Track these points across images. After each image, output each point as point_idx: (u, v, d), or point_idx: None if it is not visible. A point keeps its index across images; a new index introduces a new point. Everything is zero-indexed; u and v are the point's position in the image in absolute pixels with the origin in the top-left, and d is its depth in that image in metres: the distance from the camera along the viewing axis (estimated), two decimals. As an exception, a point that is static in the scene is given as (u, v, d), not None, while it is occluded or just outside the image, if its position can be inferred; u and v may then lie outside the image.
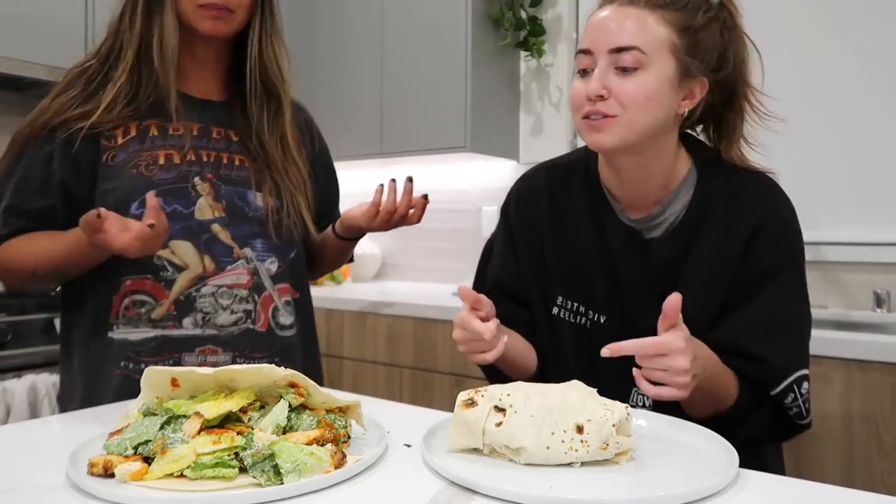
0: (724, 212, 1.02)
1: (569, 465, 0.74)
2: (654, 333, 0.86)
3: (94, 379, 1.12)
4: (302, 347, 1.26)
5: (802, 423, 1.01)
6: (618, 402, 0.78)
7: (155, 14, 1.14)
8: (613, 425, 0.74)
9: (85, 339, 1.14)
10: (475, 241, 2.93)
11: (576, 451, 0.73)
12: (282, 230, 1.21)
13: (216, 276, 1.14)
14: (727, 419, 0.97)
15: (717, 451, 0.78)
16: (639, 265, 1.05)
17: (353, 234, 1.30)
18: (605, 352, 0.85)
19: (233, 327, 1.15)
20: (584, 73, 0.99)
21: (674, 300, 0.85)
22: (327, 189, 1.40)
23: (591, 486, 0.69)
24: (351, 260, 1.49)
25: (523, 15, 2.63)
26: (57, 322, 1.90)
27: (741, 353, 0.98)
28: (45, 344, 1.85)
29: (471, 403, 0.78)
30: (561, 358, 1.12)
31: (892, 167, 2.05)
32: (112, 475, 0.69)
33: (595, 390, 0.82)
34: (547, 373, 1.15)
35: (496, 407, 0.77)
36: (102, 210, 0.95)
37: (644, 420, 0.89)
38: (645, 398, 1.04)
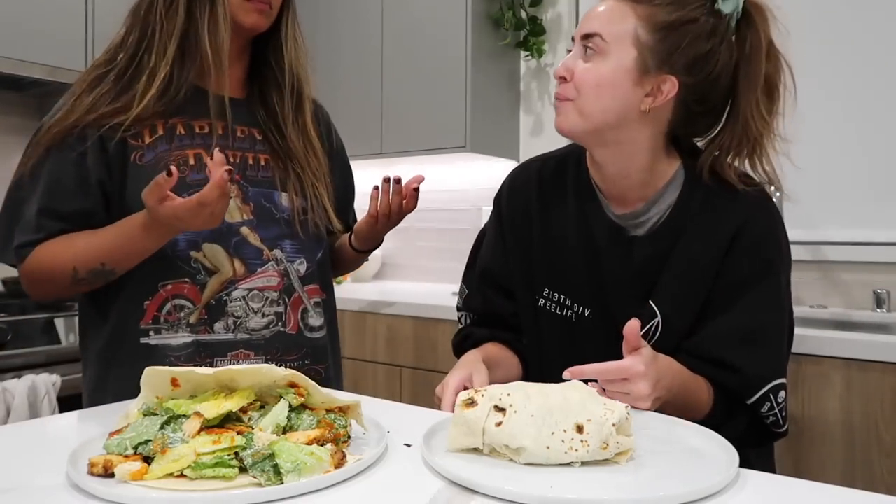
0: (706, 217, 1.02)
1: (569, 464, 0.74)
2: None
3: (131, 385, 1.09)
4: (331, 348, 1.26)
5: (779, 430, 1.01)
6: (618, 402, 0.78)
7: (197, 7, 1.10)
8: (613, 425, 0.74)
9: (113, 348, 1.11)
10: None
11: (576, 450, 0.73)
12: (308, 228, 1.20)
13: (247, 280, 1.13)
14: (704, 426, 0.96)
15: (716, 450, 0.78)
16: (621, 261, 1.06)
17: (369, 245, 1.34)
18: (567, 375, 0.87)
19: (264, 331, 1.13)
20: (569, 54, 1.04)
21: (633, 325, 0.87)
22: (344, 187, 1.42)
23: (591, 486, 0.69)
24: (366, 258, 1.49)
25: (523, 15, 2.63)
26: (57, 322, 1.90)
27: (716, 361, 0.98)
28: (45, 344, 1.86)
29: (471, 403, 0.78)
30: (546, 349, 1.13)
31: (892, 167, 2.05)
32: (112, 475, 0.68)
33: (595, 390, 0.82)
34: (531, 363, 1.15)
35: (496, 407, 0.77)
36: (173, 167, 0.93)
37: (643, 419, 0.89)
38: None
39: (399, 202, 1.21)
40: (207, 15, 1.09)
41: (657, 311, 1.02)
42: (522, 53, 2.74)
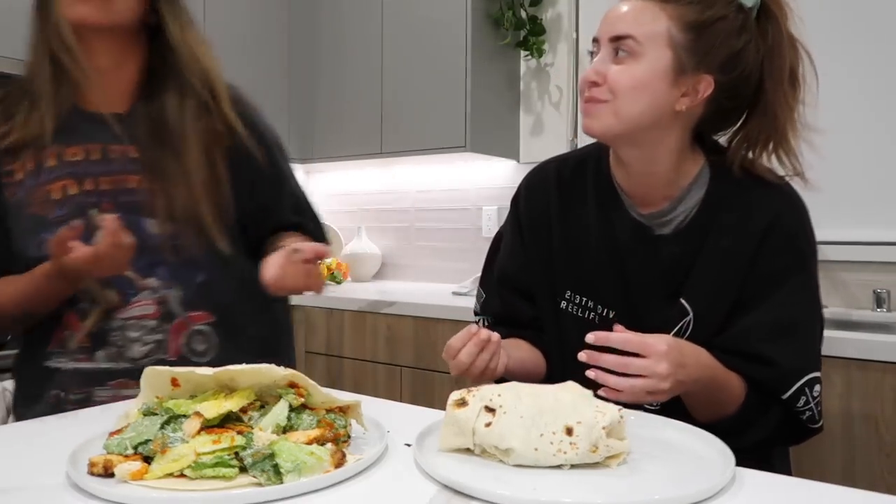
0: (735, 213, 1.01)
1: (559, 467, 0.73)
2: (660, 331, 0.86)
3: (32, 402, 1.12)
4: None
5: (815, 426, 0.99)
6: (611, 405, 0.77)
7: (37, 11, 1.06)
8: (604, 428, 0.73)
9: (26, 366, 1.15)
10: (475, 240, 2.93)
11: (564, 453, 0.72)
12: (182, 254, 1.12)
13: (123, 310, 1.10)
14: (733, 423, 0.95)
15: (712, 452, 0.78)
16: (647, 261, 1.04)
17: None
18: (590, 337, 0.86)
19: (145, 359, 1.10)
20: (592, 58, 1.02)
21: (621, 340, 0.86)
22: (268, 192, 1.23)
23: (576, 489, 0.68)
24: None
25: (523, 14, 2.63)
26: (57, 322, 1.90)
27: (749, 355, 0.96)
28: (46, 344, 1.85)
29: (462, 403, 0.78)
30: (567, 352, 1.10)
31: (892, 167, 2.05)
32: (112, 475, 0.68)
33: (590, 392, 0.81)
34: (554, 366, 1.14)
35: (487, 407, 0.77)
36: (76, 222, 0.93)
37: (638, 421, 0.89)
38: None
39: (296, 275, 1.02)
40: (41, 18, 1.05)
41: (689, 309, 1.01)
42: (522, 53, 2.74)
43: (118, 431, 0.75)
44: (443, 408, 0.82)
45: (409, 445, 0.81)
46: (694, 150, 1.06)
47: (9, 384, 1.71)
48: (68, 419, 0.97)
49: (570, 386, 0.82)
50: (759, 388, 0.97)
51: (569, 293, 1.11)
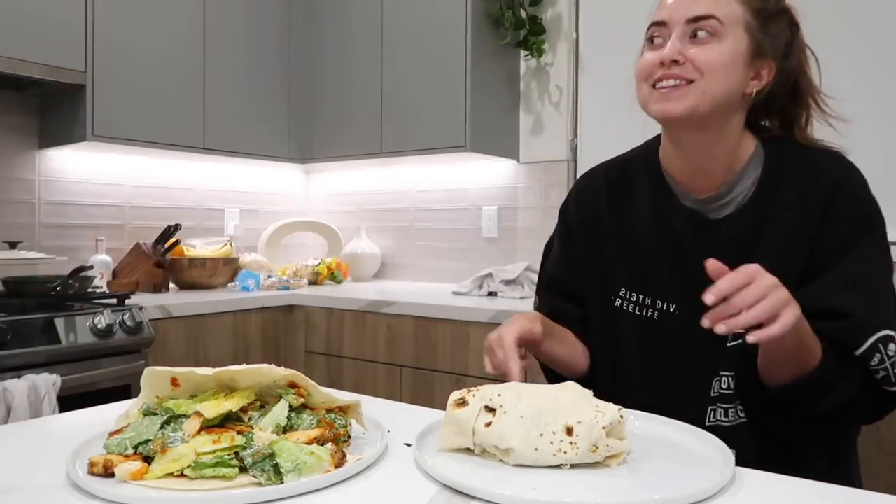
0: (795, 186, 1.01)
1: (558, 467, 0.73)
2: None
3: None
4: None
5: (892, 388, 0.94)
6: (610, 405, 0.77)
7: None
8: (603, 428, 0.73)
9: None
10: (475, 240, 2.93)
11: (564, 453, 0.72)
12: None
13: None
14: (813, 383, 0.92)
15: (712, 452, 0.78)
16: (706, 247, 0.99)
17: None
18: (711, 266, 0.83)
19: None
20: (653, 43, 1.01)
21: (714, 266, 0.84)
22: None
23: (576, 489, 0.69)
24: None
25: (523, 14, 2.63)
26: (57, 322, 1.90)
27: (824, 311, 0.93)
28: (45, 344, 1.85)
29: (462, 403, 0.78)
30: (623, 351, 1.11)
31: (892, 166, 2.05)
32: (112, 475, 0.69)
33: (590, 392, 0.81)
34: (603, 367, 1.14)
35: (487, 407, 0.77)
36: None
37: (637, 421, 0.89)
38: (729, 380, 1.01)
39: None
40: None
41: None
42: (522, 53, 2.74)
43: (118, 431, 0.75)
44: (443, 408, 0.82)
45: (409, 445, 0.81)
46: (746, 132, 1.06)
47: (9, 384, 1.71)
48: (68, 419, 0.97)
49: (570, 386, 0.82)
50: (835, 346, 0.93)
51: (623, 291, 1.11)
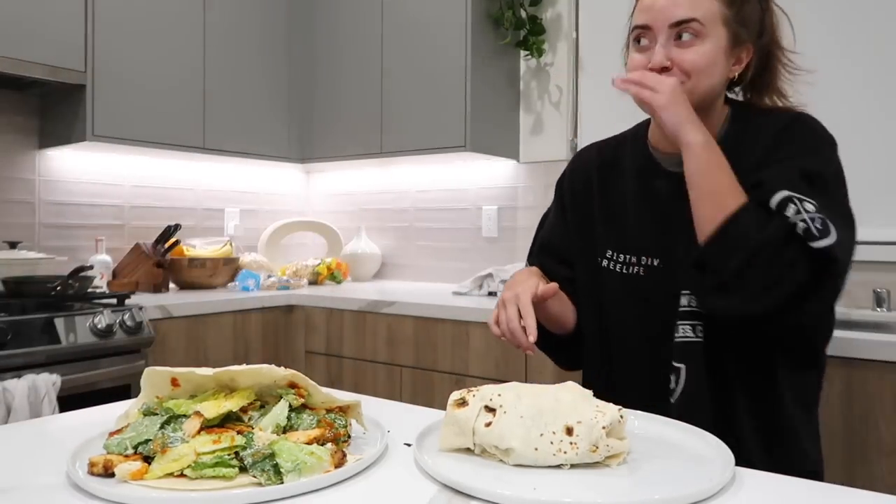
0: (755, 141, 1.08)
1: (558, 467, 0.73)
2: None
3: None
4: None
5: (817, 244, 0.91)
6: (610, 405, 0.77)
7: None
8: (603, 428, 0.73)
9: None
10: (475, 240, 2.93)
11: (564, 453, 0.72)
12: None
13: None
14: (738, 227, 0.96)
15: (712, 452, 0.78)
16: (683, 207, 1.05)
17: None
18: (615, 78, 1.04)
19: None
20: (641, 46, 1.09)
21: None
22: None
23: (576, 489, 0.69)
24: None
25: (523, 14, 2.63)
26: (57, 322, 1.90)
27: (748, 186, 1.00)
28: (45, 344, 1.85)
29: (462, 403, 0.78)
30: (608, 309, 1.19)
31: (891, 166, 2.05)
32: (112, 475, 0.69)
33: (590, 392, 0.81)
34: (585, 318, 1.24)
35: (487, 407, 0.77)
36: None
37: (637, 421, 0.89)
38: (693, 329, 1.06)
39: None
40: None
41: None
42: (522, 53, 2.74)
43: (118, 431, 0.75)
44: (443, 408, 0.82)
45: (408, 445, 0.81)
46: (724, 106, 1.15)
47: (9, 384, 1.71)
48: (68, 419, 0.97)
49: (570, 386, 0.82)
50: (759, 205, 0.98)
51: (610, 252, 1.19)
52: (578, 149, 2.65)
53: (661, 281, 1.12)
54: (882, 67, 2.07)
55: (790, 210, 0.94)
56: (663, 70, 1.05)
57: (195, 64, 2.67)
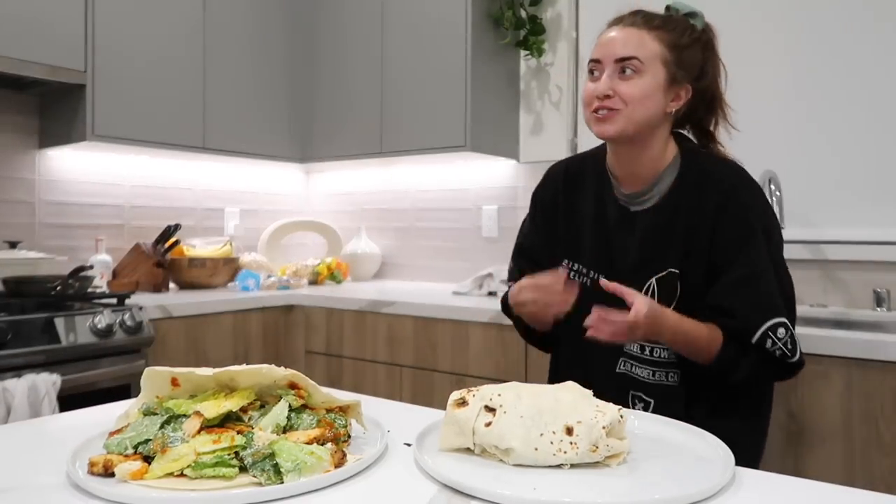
0: (696, 192, 1.25)
1: (559, 466, 0.73)
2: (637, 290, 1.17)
3: None
4: None
5: (792, 361, 1.19)
6: (610, 405, 0.78)
7: None
8: (603, 428, 0.73)
9: None
10: (475, 240, 2.93)
11: (564, 452, 0.72)
12: None
13: None
14: (719, 364, 1.18)
15: (712, 452, 0.78)
16: (626, 235, 1.30)
17: None
18: (603, 283, 1.17)
19: None
20: (593, 76, 1.26)
21: (608, 286, 1.16)
22: None
23: (576, 489, 0.69)
24: None
25: (523, 14, 2.63)
26: (57, 321, 1.90)
27: (719, 309, 1.19)
28: (45, 343, 1.85)
29: (462, 403, 0.78)
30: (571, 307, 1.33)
31: (891, 166, 2.05)
32: (112, 474, 0.69)
33: (590, 392, 0.81)
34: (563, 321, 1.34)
35: (487, 407, 0.77)
36: None
37: (637, 421, 0.89)
38: (667, 375, 1.27)
39: None
40: None
41: (665, 270, 1.25)
42: (522, 53, 2.74)
43: (118, 431, 0.75)
44: (443, 408, 0.82)
45: (408, 445, 0.81)
46: (670, 141, 1.31)
47: (9, 384, 1.71)
48: (68, 419, 0.97)
49: (570, 386, 0.82)
50: (732, 337, 1.18)
51: (566, 261, 1.38)
52: (578, 149, 2.67)
53: (598, 292, 1.23)
54: (882, 68, 2.07)
55: (769, 343, 1.16)
56: (606, 97, 1.22)
57: (195, 64, 2.67)
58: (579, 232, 1.36)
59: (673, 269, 1.24)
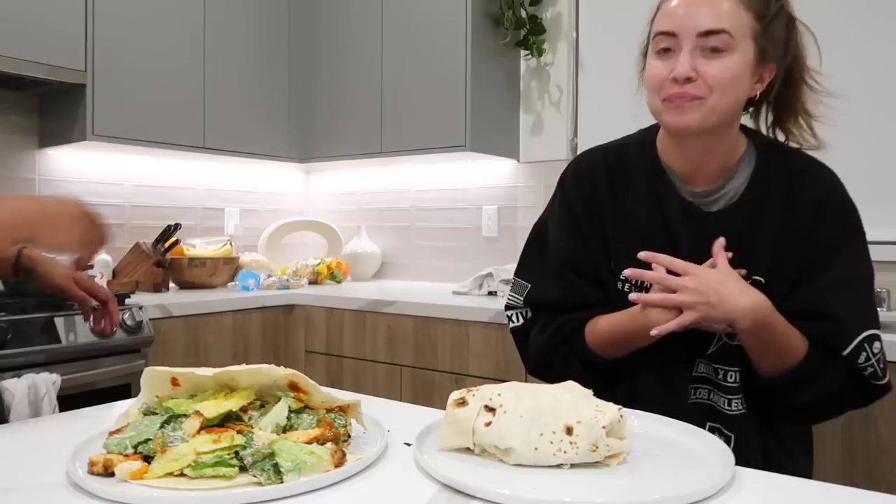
0: (787, 188, 1.06)
1: (558, 466, 0.73)
2: None
3: None
4: None
5: (880, 383, 1.00)
6: (610, 404, 0.77)
7: None
8: (603, 427, 0.73)
9: None
10: (475, 239, 2.93)
11: (564, 452, 0.72)
12: None
13: None
14: (796, 376, 0.99)
15: (712, 452, 0.78)
16: (697, 238, 1.06)
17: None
18: (641, 255, 1.00)
19: None
20: (664, 53, 1.02)
21: (719, 243, 0.99)
22: None
23: (576, 489, 0.68)
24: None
25: (523, 14, 2.63)
26: (57, 321, 1.90)
27: (812, 313, 1.00)
28: (45, 343, 1.85)
29: (462, 403, 0.78)
30: None
31: (891, 166, 2.05)
32: (112, 474, 0.69)
33: (590, 392, 0.81)
34: None
35: (486, 406, 0.77)
36: None
37: (637, 421, 0.89)
38: (735, 374, 1.06)
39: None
40: None
41: (749, 279, 1.03)
42: (522, 52, 2.74)
43: (118, 431, 0.75)
44: (443, 407, 0.82)
45: (408, 445, 0.81)
46: (739, 130, 1.10)
47: (9, 383, 1.71)
48: (68, 419, 0.97)
49: (570, 386, 0.82)
50: (821, 345, 1.00)
51: (622, 275, 1.11)
52: (578, 149, 2.67)
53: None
54: (883, 68, 2.07)
55: (861, 357, 0.98)
56: (686, 81, 0.98)
57: (195, 64, 2.67)
58: (634, 236, 1.11)
59: (758, 278, 1.03)
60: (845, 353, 0.98)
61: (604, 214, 1.15)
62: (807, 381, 0.99)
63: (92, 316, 1.22)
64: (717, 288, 0.95)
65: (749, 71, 1.01)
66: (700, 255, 1.03)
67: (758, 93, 1.05)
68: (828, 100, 1.12)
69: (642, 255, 0.99)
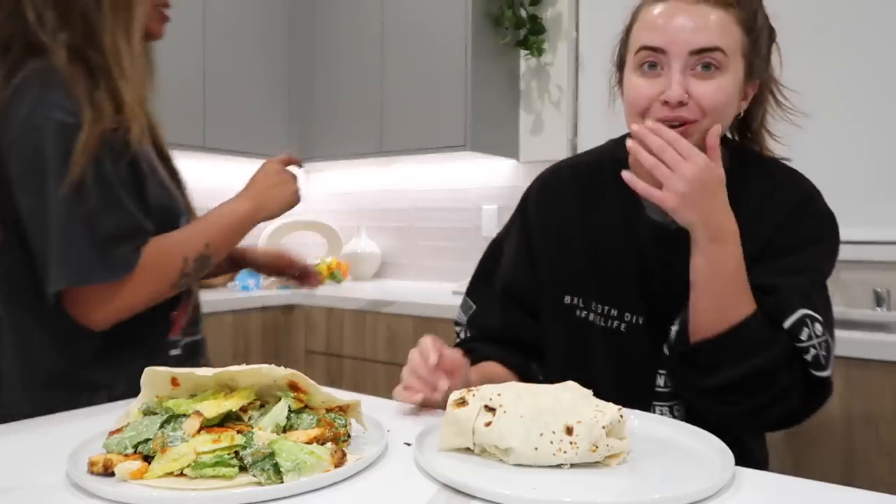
0: (760, 196, 1.00)
1: (558, 466, 0.73)
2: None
3: None
4: (20, 375, 1.08)
5: (823, 374, 0.92)
6: (610, 404, 0.77)
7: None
8: (604, 427, 0.73)
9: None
10: (475, 239, 2.93)
11: (564, 452, 0.72)
12: None
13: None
14: (736, 340, 0.90)
15: (712, 452, 0.78)
16: (668, 258, 1.00)
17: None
18: (649, 123, 0.89)
19: None
20: (649, 70, 0.94)
21: (713, 132, 0.88)
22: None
23: (576, 489, 0.68)
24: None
25: (523, 13, 2.63)
26: (57, 321, 1.90)
27: (759, 287, 0.93)
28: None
29: (462, 403, 0.78)
30: (589, 363, 1.07)
31: (891, 165, 2.05)
32: (112, 474, 0.68)
33: (590, 392, 0.81)
34: (582, 374, 1.02)
35: (486, 406, 0.77)
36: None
37: (637, 421, 0.89)
38: (669, 409, 1.02)
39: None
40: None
41: None
42: (522, 52, 2.74)
43: (118, 430, 0.75)
44: (442, 407, 0.82)
45: (408, 444, 0.81)
46: None
47: (9, 383, 1.71)
48: (68, 418, 0.97)
49: (571, 385, 0.82)
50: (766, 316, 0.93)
51: (593, 303, 1.06)
52: (578, 148, 2.67)
53: (642, 340, 1.02)
54: (884, 67, 2.07)
55: (804, 333, 0.90)
56: (679, 105, 0.91)
57: (195, 63, 2.67)
58: (605, 262, 1.06)
59: None
60: (787, 324, 0.90)
61: (571, 237, 1.09)
62: (747, 352, 0.89)
63: (297, 280, 1.56)
64: (706, 191, 0.87)
65: (738, 90, 0.95)
66: (671, 275, 0.98)
67: (742, 111, 0.98)
68: (794, 116, 1.05)
69: (649, 123, 0.89)
